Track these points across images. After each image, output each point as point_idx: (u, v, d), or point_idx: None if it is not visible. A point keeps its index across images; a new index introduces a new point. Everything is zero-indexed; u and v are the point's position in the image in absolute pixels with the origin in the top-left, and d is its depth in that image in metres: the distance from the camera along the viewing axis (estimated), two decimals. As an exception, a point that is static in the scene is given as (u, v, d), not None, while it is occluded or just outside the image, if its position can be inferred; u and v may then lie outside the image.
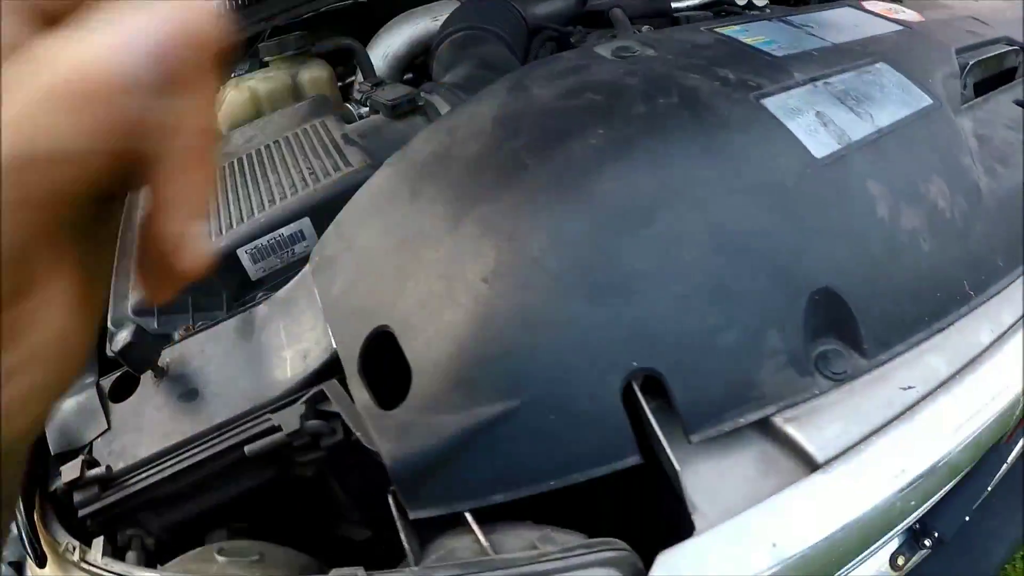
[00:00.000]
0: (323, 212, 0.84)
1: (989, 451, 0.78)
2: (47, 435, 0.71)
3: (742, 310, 0.58)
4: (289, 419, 0.63)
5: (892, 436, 0.56)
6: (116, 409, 0.72)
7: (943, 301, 0.62)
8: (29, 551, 0.66)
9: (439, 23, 1.40)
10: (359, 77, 1.35)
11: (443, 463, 0.54)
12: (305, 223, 0.85)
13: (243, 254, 0.84)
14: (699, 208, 0.61)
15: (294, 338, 0.71)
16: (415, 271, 0.63)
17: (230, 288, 0.86)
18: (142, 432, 0.68)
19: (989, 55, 0.78)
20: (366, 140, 0.94)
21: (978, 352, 0.60)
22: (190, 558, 0.65)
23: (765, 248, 0.60)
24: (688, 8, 1.26)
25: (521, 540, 0.54)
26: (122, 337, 0.68)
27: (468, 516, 0.55)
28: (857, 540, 0.55)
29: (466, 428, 0.54)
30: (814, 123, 0.67)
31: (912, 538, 0.82)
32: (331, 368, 0.67)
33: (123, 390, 0.75)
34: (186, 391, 0.71)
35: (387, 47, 1.40)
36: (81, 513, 0.65)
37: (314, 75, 1.21)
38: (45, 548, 0.65)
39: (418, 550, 0.56)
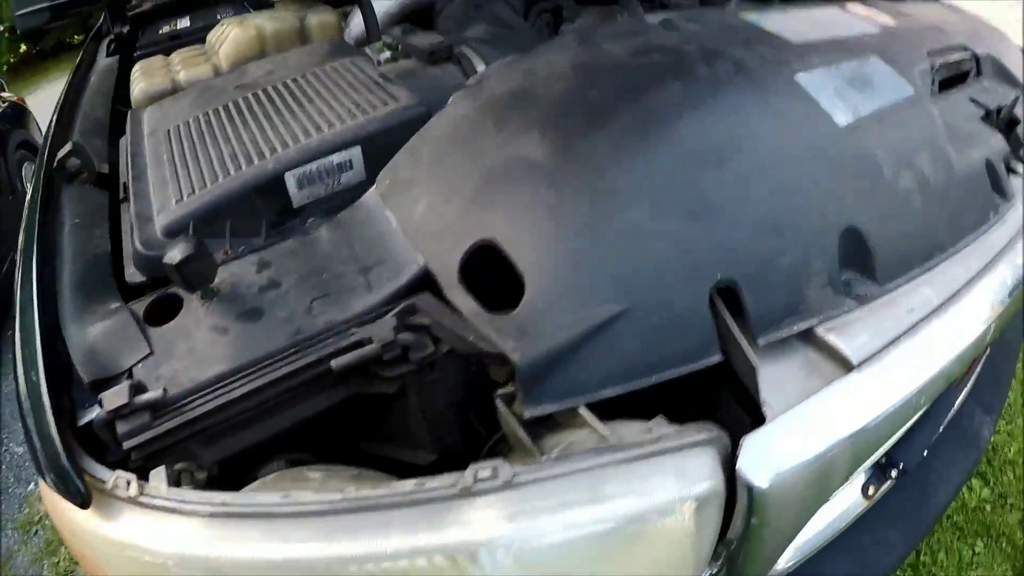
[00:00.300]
0: (375, 142, 0.86)
1: (944, 392, 0.97)
2: (76, 363, 0.67)
3: (795, 238, 0.70)
4: (381, 331, 0.64)
5: (905, 346, 0.70)
6: (157, 333, 0.69)
7: (930, 246, 0.78)
8: (66, 490, 0.57)
9: None
10: (349, 27, 1.34)
11: (561, 361, 0.60)
12: (355, 152, 0.86)
13: (290, 178, 0.84)
14: (759, 155, 0.72)
15: (369, 258, 0.73)
16: (514, 192, 0.68)
17: (270, 214, 0.84)
18: (195, 355, 0.66)
19: (952, 59, 0.98)
20: (405, 81, 0.97)
21: (958, 287, 0.76)
22: (273, 481, 0.64)
23: (809, 191, 0.72)
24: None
25: (631, 429, 0.61)
26: (180, 250, 0.65)
27: (583, 410, 0.61)
28: (888, 425, 0.68)
29: (584, 328, 0.61)
30: (834, 98, 0.81)
31: (880, 470, 0.98)
32: (415, 286, 0.69)
33: (162, 313, 0.72)
34: (246, 311, 0.69)
35: (379, 3, 1.40)
36: (127, 444, 0.60)
37: (323, 20, 1.19)
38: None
39: (534, 447, 0.60)
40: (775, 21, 0.94)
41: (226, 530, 0.53)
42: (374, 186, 0.79)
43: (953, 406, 1.03)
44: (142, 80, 1.11)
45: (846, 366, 0.69)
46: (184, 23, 1.43)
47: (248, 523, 0.53)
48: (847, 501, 0.98)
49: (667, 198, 0.67)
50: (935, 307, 0.75)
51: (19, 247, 0.89)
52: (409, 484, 0.52)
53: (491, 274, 0.67)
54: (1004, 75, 1.05)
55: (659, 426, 0.61)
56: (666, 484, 0.56)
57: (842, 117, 0.79)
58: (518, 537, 0.51)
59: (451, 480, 0.52)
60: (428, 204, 0.71)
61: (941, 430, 1.01)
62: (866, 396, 0.67)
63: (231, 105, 0.97)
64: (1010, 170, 0.90)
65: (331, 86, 0.96)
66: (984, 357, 1.13)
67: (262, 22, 1.15)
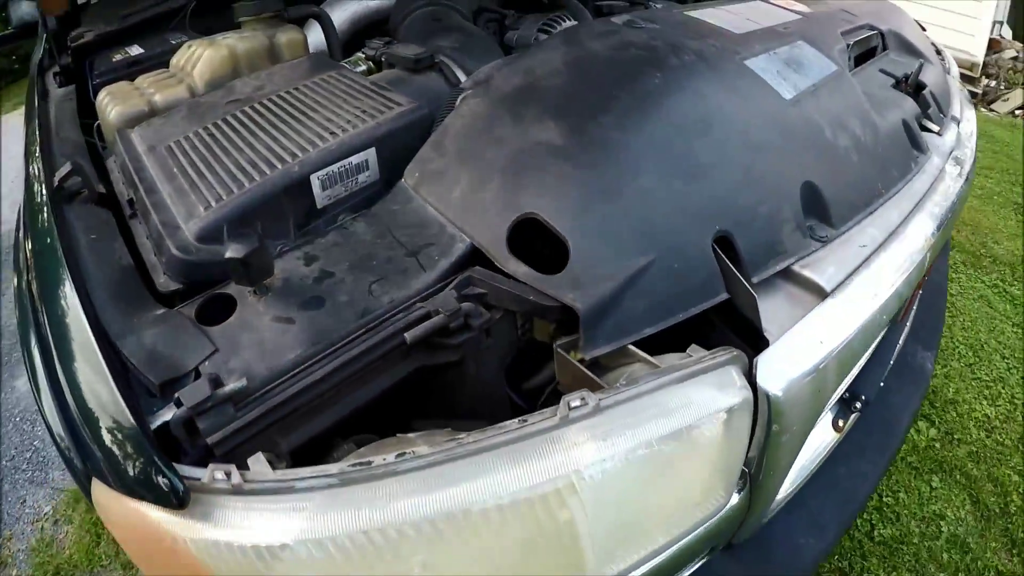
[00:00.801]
0: (386, 143, 0.94)
1: (889, 330, 1.15)
2: (141, 370, 0.69)
3: (768, 191, 0.85)
4: (445, 303, 0.72)
5: (864, 274, 0.87)
6: (215, 332, 0.72)
7: (870, 194, 0.96)
8: (157, 494, 0.57)
9: (380, 1, 1.55)
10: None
11: (610, 306, 0.72)
12: (371, 153, 0.94)
13: (315, 180, 0.90)
14: (732, 125, 0.87)
15: (414, 242, 0.81)
16: (543, 172, 0.79)
17: (298, 215, 0.91)
18: (265, 346, 0.70)
19: (862, 37, 1.18)
20: (396, 88, 1.05)
21: (895, 226, 0.94)
22: (371, 450, 0.69)
23: (772, 153, 0.88)
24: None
25: (674, 359, 0.74)
26: (244, 244, 0.71)
27: (632, 347, 0.73)
28: (860, 342, 0.83)
29: (625, 275, 0.72)
30: (777, 78, 0.98)
31: (845, 405, 1.16)
32: (464, 262, 0.78)
33: (214, 314, 0.76)
34: (307, 300, 0.75)
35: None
36: (212, 439, 0.61)
37: (291, 38, 1.25)
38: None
39: (601, 382, 0.71)
40: (715, 16, 1.11)
41: (352, 497, 0.55)
42: (403, 179, 0.88)
43: (898, 343, 1.23)
44: (117, 104, 1.12)
45: (821, 294, 0.85)
46: (135, 51, 1.44)
47: (372, 486, 0.56)
48: (821, 438, 1.14)
49: (668, 164, 0.80)
50: (881, 242, 0.92)
51: (23, 266, 0.89)
52: (513, 423, 0.61)
53: (524, 247, 0.78)
54: (906, 46, 1.28)
55: (695, 351, 0.73)
56: (713, 395, 0.69)
57: (786, 93, 0.95)
58: (611, 452, 0.62)
59: (549, 412, 0.62)
60: (464, 189, 0.81)
61: (891, 364, 1.20)
62: (842, 316, 0.83)
63: (231, 119, 1.01)
64: (923, 127, 1.10)
65: (330, 96, 1.03)
66: (918, 296, 1.34)
67: (233, 42, 1.19)
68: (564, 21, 1.39)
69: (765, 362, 0.76)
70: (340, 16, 1.53)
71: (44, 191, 0.98)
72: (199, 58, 1.17)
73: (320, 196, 0.92)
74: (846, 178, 0.94)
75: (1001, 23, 4.83)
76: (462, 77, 1.11)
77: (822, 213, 0.90)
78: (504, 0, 1.59)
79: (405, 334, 0.70)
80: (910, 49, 1.29)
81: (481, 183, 0.81)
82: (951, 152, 1.12)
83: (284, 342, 0.70)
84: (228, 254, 0.71)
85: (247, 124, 1.00)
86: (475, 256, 0.78)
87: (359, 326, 0.71)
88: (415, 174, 0.86)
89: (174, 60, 1.25)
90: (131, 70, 1.37)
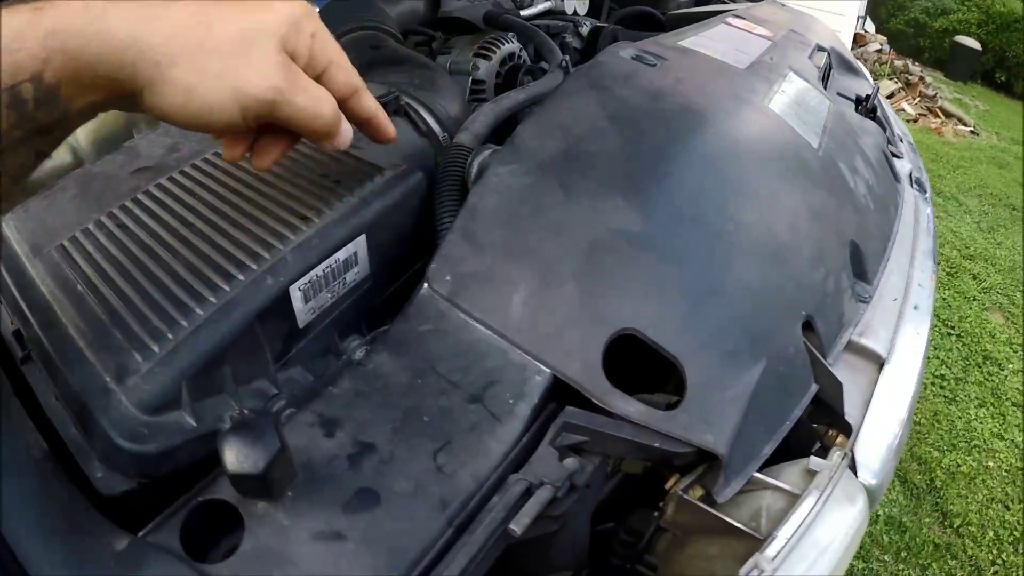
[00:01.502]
0: (379, 226, 0.73)
1: None
2: None
3: (831, 260, 0.80)
4: (546, 469, 0.55)
5: (903, 331, 0.86)
6: (224, 573, 0.48)
7: (884, 241, 0.95)
8: None
9: None
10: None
11: (742, 431, 0.61)
12: (361, 243, 0.71)
13: (295, 292, 0.67)
14: (794, 190, 0.80)
15: (471, 379, 0.61)
16: (630, 271, 0.65)
17: (274, 344, 0.67)
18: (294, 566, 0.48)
19: (823, 62, 1.16)
20: (362, 143, 0.82)
21: (906, 270, 0.95)
22: None
23: (826, 216, 0.83)
24: (530, 16, 1.40)
25: (794, 475, 0.65)
26: (261, 450, 0.47)
27: (759, 474, 0.63)
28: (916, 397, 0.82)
29: (747, 394, 0.62)
30: (799, 123, 0.92)
31: None
32: (544, 402, 0.61)
33: (209, 533, 0.52)
34: (352, 497, 0.53)
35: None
36: None
37: None
38: None
39: (752, 531, 0.61)
40: (708, 48, 1.03)
41: None
42: (427, 284, 0.68)
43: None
44: None
45: (878, 361, 0.82)
46: None
47: None
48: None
49: (754, 246, 0.70)
50: (904, 288, 0.92)
51: None
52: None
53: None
54: (845, 64, 1.30)
55: (817, 466, 0.66)
56: (851, 511, 0.63)
57: (813, 141, 0.90)
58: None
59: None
60: (525, 297, 0.64)
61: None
62: (901, 382, 0.81)
63: (145, 199, 0.72)
64: (893, 155, 1.13)
65: (283, 160, 0.78)
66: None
67: None
68: (502, 44, 1.21)
69: (860, 453, 0.72)
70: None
71: None
72: None
73: (302, 312, 0.68)
74: (870, 228, 0.92)
75: (864, 18, 5.40)
76: (433, 125, 0.91)
77: (860, 271, 0.88)
78: (429, 21, 1.36)
79: (511, 525, 0.52)
80: (849, 66, 1.33)
81: (549, 289, 0.64)
82: (910, 174, 1.17)
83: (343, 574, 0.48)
84: (231, 467, 0.47)
85: (171, 207, 0.72)
86: (554, 389, 0.63)
87: (444, 526, 0.52)
88: (445, 278, 0.67)
89: None
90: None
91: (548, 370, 0.61)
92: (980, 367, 2.28)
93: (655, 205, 0.68)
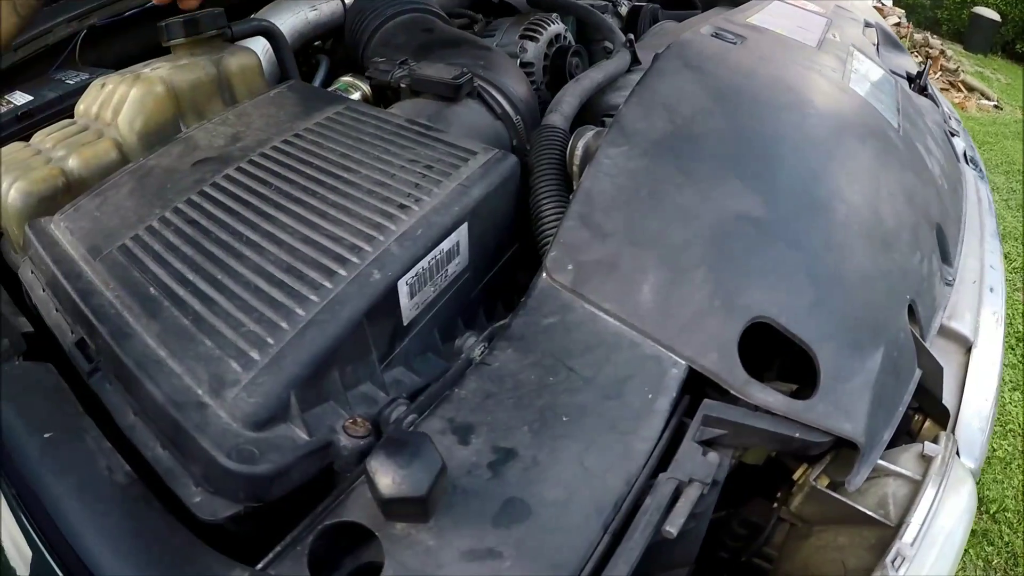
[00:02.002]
0: (479, 213, 0.70)
1: None
2: None
3: (925, 245, 0.80)
4: (692, 466, 0.54)
5: (984, 313, 0.87)
6: None
7: (959, 223, 0.96)
8: None
9: (320, 12, 1.21)
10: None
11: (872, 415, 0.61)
12: (463, 232, 0.69)
13: (403, 287, 0.64)
14: (891, 171, 0.80)
15: (604, 374, 0.59)
16: (758, 257, 0.63)
17: (380, 343, 0.64)
18: None
19: (873, 36, 1.16)
20: (442, 124, 0.80)
21: (978, 251, 0.95)
22: None
23: (916, 199, 0.83)
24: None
25: (910, 460, 0.66)
26: (420, 472, 0.44)
27: (882, 461, 0.63)
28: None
29: (873, 381, 0.62)
30: (876, 101, 0.92)
31: None
32: (681, 395, 0.59)
33: (338, 557, 0.49)
34: (501, 509, 0.50)
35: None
36: None
37: (243, 64, 0.86)
38: None
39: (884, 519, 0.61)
40: (775, 25, 1.01)
41: None
42: (545, 275, 0.65)
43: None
44: (15, 179, 0.69)
45: (965, 345, 0.83)
46: (20, 98, 0.95)
47: None
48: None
49: (866, 231, 0.70)
50: (980, 270, 0.93)
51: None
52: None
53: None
54: (890, 41, 1.30)
55: (932, 451, 0.66)
56: (964, 496, 0.64)
57: (893, 119, 0.90)
58: None
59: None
60: (655, 286, 0.62)
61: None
62: (987, 365, 0.82)
63: (214, 191, 0.68)
64: (951, 133, 1.13)
65: (357, 143, 0.74)
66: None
67: (167, 74, 0.78)
68: (549, 24, 1.17)
69: (960, 438, 0.73)
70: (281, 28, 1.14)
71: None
72: (123, 100, 0.77)
73: (407, 307, 0.66)
74: (948, 209, 0.93)
75: None
76: (507, 107, 0.88)
77: (944, 254, 0.88)
78: (470, 3, 1.33)
79: (666, 527, 0.50)
80: (894, 43, 1.33)
81: (679, 277, 0.63)
82: (964, 152, 1.18)
83: None
84: (388, 491, 0.44)
85: (245, 199, 0.68)
86: (689, 382, 0.62)
87: (600, 533, 0.49)
88: (567, 267, 0.65)
89: (81, 106, 0.82)
90: (21, 126, 0.92)
91: (684, 362, 0.60)
92: (1013, 349, 2.25)
93: (773, 189, 0.67)
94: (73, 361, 0.64)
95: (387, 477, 0.44)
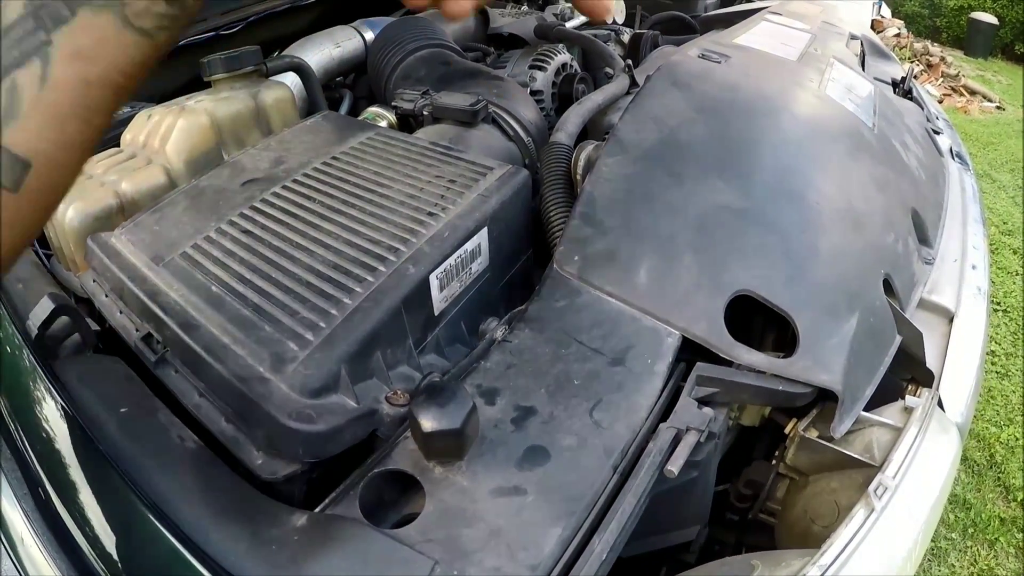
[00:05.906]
0: (496, 219, 0.87)
1: None
2: None
3: (899, 226, 0.95)
4: (688, 416, 0.68)
5: (966, 288, 1.01)
6: (412, 535, 0.57)
7: (938, 209, 1.11)
8: None
9: (343, 49, 1.41)
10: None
11: (847, 373, 0.76)
12: (483, 235, 0.85)
13: (434, 280, 0.81)
14: (862, 165, 0.95)
15: (610, 346, 0.74)
16: (738, 241, 0.79)
17: (415, 330, 0.80)
18: (502, 538, 0.57)
19: (858, 50, 1.34)
20: (461, 146, 0.98)
21: (961, 232, 1.11)
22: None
23: (890, 187, 0.98)
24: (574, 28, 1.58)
25: (894, 413, 0.80)
26: (441, 412, 0.57)
27: (865, 413, 0.77)
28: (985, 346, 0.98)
29: (849, 340, 0.76)
30: (853, 106, 1.08)
31: None
32: (677, 360, 0.74)
33: (388, 502, 0.63)
34: (524, 454, 0.64)
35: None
36: None
37: (278, 97, 1.06)
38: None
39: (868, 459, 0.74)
40: (759, 44, 1.19)
41: None
42: (555, 266, 0.82)
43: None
44: (74, 200, 0.89)
45: (947, 316, 0.98)
46: None
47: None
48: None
49: (839, 215, 0.85)
50: (961, 253, 1.08)
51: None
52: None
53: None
54: (876, 49, 1.48)
55: (913, 403, 0.81)
56: (947, 442, 0.78)
57: (868, 120, 1.07)
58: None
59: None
60: (650, 270, 0.78)
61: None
62: (971, 332, 0.97)
63: (263, 206, 0.86)
64: (934, 131, 1.30)
65: (388, 164, 0.92)
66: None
67: (210, 106, 0.98)
68: (556, 55, 1.37)
69: (945, 396, 0.87)
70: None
71: (25, 351, 0.76)
72: (170, 129, 0.97)
73: (438, 299, 0.82)
74: (926, 197, 1.08)
75: (880, 3, 5.59)
76: (519, 130, 1.06)
77: (923, 236, 1.03)
78: (481, 38, 1.54)
79: (668, 467, 0.64)
80: (880, 52, 1.51)
81: (670, 261, 0.79)
82: (950, 148, 1.34)
83: (530, 524, 0.58)
84: (429, 426, 0.57)
85: (293, 212, 0.85)
86: (683, 349, 0.77)
87: (610, 472, 0.63)
88: (574, 259, 0.81)
89: (128, 136, 1.01)
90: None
91: (677, 332, 0.76)
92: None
93: (752, 183, 0.83)
94: (139, 354, 0.78)
95: (428, 414, 0.57)
